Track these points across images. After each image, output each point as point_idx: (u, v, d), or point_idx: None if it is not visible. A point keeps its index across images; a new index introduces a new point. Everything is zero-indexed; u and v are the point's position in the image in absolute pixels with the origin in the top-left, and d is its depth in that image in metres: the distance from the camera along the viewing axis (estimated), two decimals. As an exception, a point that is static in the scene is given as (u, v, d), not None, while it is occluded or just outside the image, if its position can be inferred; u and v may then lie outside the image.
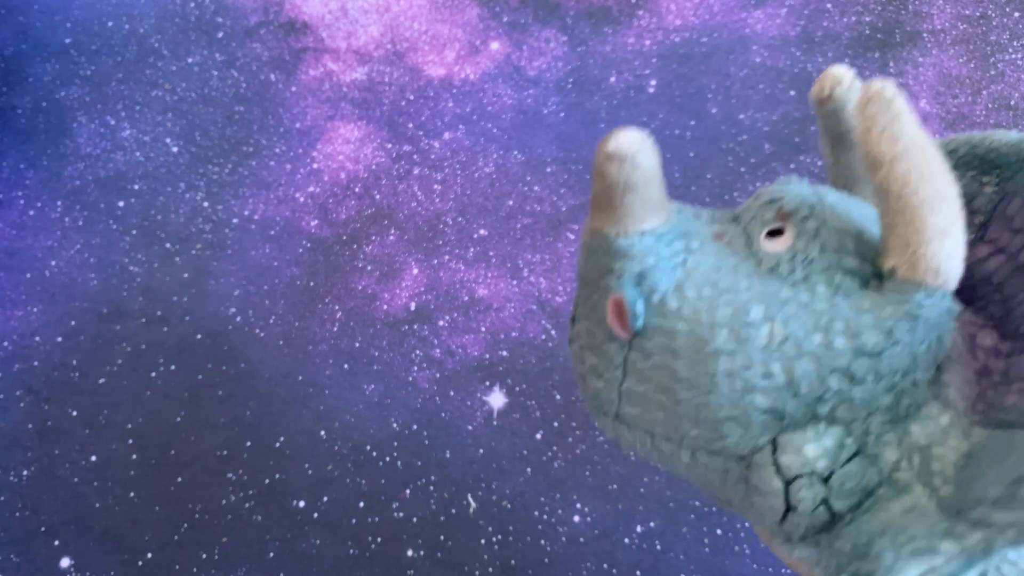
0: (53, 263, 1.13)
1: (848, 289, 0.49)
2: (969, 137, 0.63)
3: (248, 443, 0.95)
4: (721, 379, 0.48)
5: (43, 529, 0.89)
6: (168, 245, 1.14)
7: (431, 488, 0.92)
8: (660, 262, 0.49)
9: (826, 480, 0.50)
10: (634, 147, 0.44)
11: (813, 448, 0.49)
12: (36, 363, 0.97)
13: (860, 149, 0.51)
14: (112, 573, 0.87)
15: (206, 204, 1.20)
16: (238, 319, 1.00)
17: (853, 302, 0.48)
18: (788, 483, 0.50)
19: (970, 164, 0.62)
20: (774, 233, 0.51)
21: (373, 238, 1.06)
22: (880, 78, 0.44)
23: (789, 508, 0.51)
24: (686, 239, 0.51)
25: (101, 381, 0.97)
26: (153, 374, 0.98)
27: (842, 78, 0.52)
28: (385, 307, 1.02)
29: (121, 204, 1.23)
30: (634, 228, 0.48)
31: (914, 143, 0.44)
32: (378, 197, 1.10)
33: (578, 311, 0.54)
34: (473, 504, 0.91)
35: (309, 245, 1.07)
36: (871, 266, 0.49)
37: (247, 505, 0.92)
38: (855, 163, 0.56)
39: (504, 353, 0.98)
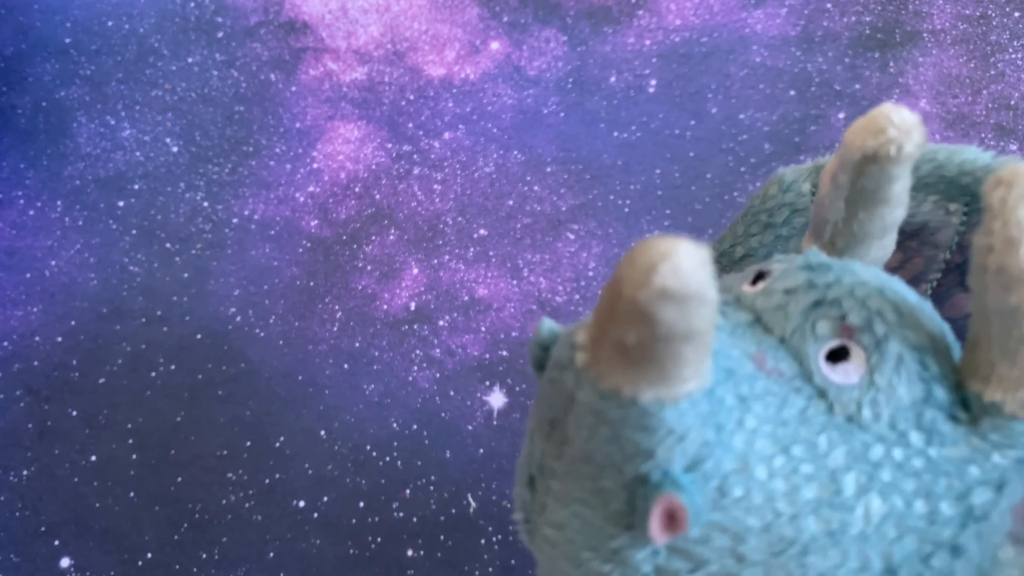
0: (53, 263, 1.13)
1: (942, 433, 0.36)
2: (933, 153, 0.52)
3: (248, 443, 0.95)
4: None
5: (43, 529, 0.89)
6: (168, 245, 1.14)
7: (431, 488, 0.92)
8: (719, 434, 0.32)
9: None
10: (702, 276, 0.27)
11: None
12: (36, 363, 0.97)
13: (885, 209, 0.42)
14: (112, 573, 0.87)
15: (206, 204, 1.20)
16: (238, 319, 1.00)
17: (951, 451, 0.36)
18: None
19: (933, 187, 0.52)
20: (835, 354, 0.38)
21: (373, 238, 1.06)
22: (1016, 163, 0.34)
23: None
24: (734, 383, 0.34)
25: (101, 381, 0.97)
26: (153, 374, 0.98)
27: (912, 130, 0.38)
28: (385, 307, 1.02)
29: (121, 204, 1.23)
30: (684, 390, 0.30)
31: None
32: (378, 197, 1.10)
33: (560, 487, 0.36)
34: (473, 504, 0.91)
35: (309, 245, 1.07)
36: (953, 390, 0.38)
37: (247, 505, 0.92)
38: (875, 220, 0.44)
39: (504, 353, 0.98)
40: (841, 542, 0.35)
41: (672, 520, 0.32)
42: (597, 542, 0.36)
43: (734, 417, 0.34)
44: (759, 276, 0.42)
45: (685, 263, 0.27)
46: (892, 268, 0.55)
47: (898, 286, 0.40)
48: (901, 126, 0.38)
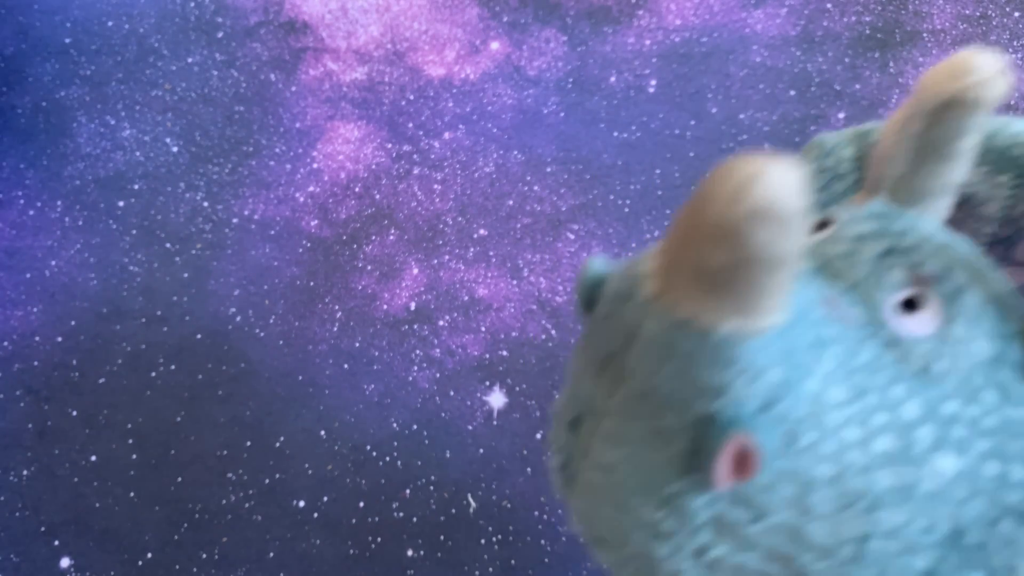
0: (53, 263, 1.13)
1: (1016, 392, 0.34)
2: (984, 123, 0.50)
3: (248, 443, 0.95)
4: (875, 543, 0.33)
5: (43, 529, 0.89)
6: (168, 245, 1.14)
7: (431, 488, 0.92)
8: (794, 372, 0.30)
9: None
10: (797, 198, 0.25)
11: None
12: (36, 363, 0.97)
13: (952, 164, 0.40)
14: (112, 573, 0.87)
15: (206, 204, 1.20)
16: (238, 319, 1.00)
17: None
18: None
19: (983, 157, 0.49)
20: (910, 303, 0.36)
21: (373, 238, 1.06)
22: None
23: None
24: (810, 324, 0.32)
25: (101, 381, 0.97)
26: (153, 374, 0.98)
27: (996, 75, 0.36)
28: (385, 307, 1.02)
29: (121, 204, 1.23)
30: (764, 323, 0.29)
31: None
32: (378, 197, 1.10)
33: (610, 426, 0.34)
34: (473, 504, 0.91)
35: (309, 245, 1.07)
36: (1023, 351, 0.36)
37: (247, 505, 0.92)
38: (939, 175, 0.41)
39: (504, 353, 0.98)
40: (911, 499, 0.32)
41: (741, 463, 0.30)
42: (651, 487, 0.33)
43: (809, 359, 0.31)
44: (822, 224, 0.40)
45: (782, 182, 0.24)
46: None
47: (967, 244, 0.38)
48: (985, 71, 0.35)
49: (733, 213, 0.25)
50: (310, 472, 0.94)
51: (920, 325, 0.35)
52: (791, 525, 0.32)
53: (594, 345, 0.34)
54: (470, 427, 0.96)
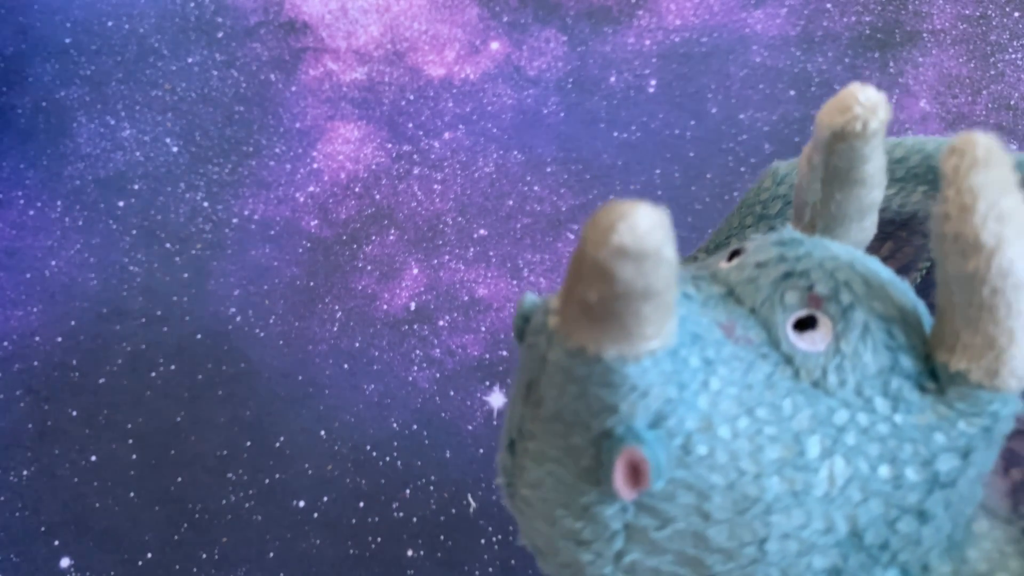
0: (53, 263, 1.13)
1: (908, 399, 0.37)
2: (922, 144, 0.53)
3: (248, 443, 0.95)
4: (772, 545, 0.36)
5: (43, 529, 0.89)
6: (168, 245, 1.14)
7: (431, 488, 0.92)
8: (682, 392, 0.34)
9: None
10: (658, 236, 0.28)
11: None
12: (36, 363, 0.97)
13: (861, 190, 0.43)
14: (112, 573, 0.87)
15: (206, 204, 1.20)
16: (238, 319, 1.00)
17: (917, 417, 0.37)
18: None
19: (922, 178, 0.53)
20: (803, 323, 0.39)
21: (373, 238, 1.06)
22: (975, 131, 0.35)
23: None
24: (700, 346, 0.36)
25: (101, 381, 0.97)
26: (153, 374, 0.98)
27: (876, 106, 0.39)
28: (385, 307, 1.02)
29: (121, 204, 1.23)
30: (646, 348, 0.32)
31: (1022, 224, 0.34)
32: (378, 197, 1.10)
33: (535, 446, 0.38)
34: (473, 504, 0.91)
35: (309, 245, 1.07)
36: (922, 361, 0.38)
37: (247, 505, 0.92)
38: (851, 201, 0.45)
39: (504, 353, 0.98)
40: (805, 503, 0.35)
41: (636, 474, 0.33)
42: (569, 499, 0.37)
43: (699, 378, 0.35)
44: (735, 253, 0.43)
45: (642, 223, 0.28)
46: (883, 257, 0.56)
47: (870, 261, 0.40)
48: (866, 103, 0.39)
49: (601, 253, 0.28)
50: (310, 472, 0.94)
51: (813, 342, 0.38)
52: (694, 530, 0.35)
53: (521, 373, 0.38)
54: (470, 427, 0.96)
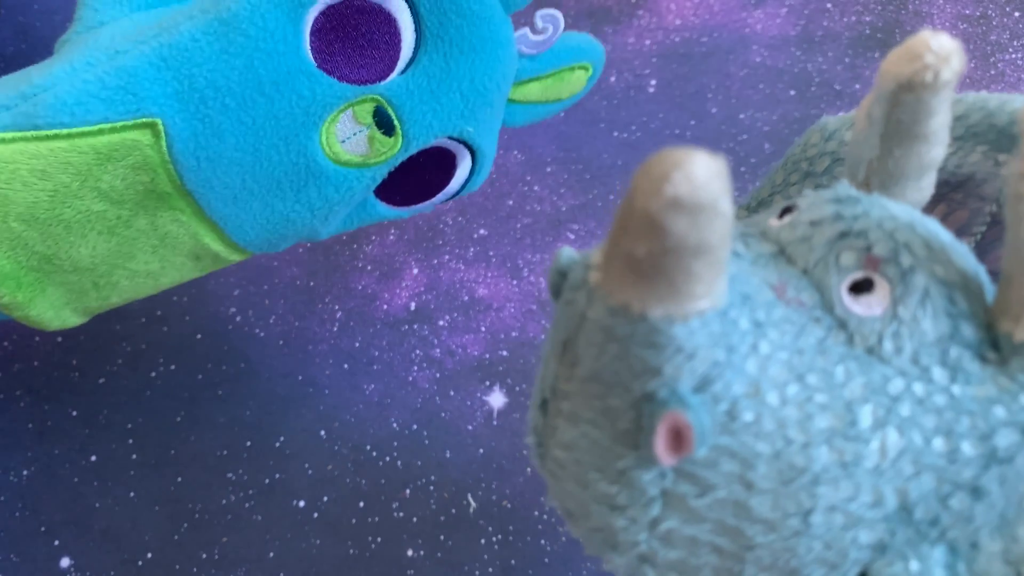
0: (53, 263, 1.13)
1: (968, 370, 0.35)
2: (983, 101, 0.50)
3: (248, 443, 0.95)
4: (817, 517, 0.34)
5: (43, 529, 0.89)
6: (168, 245, 1.14)
7: (431, 488, 0.92)
8: (730, 355, 0.32)
9: None
10: (716, 187, 0.26)
11: None
12: (36, 363, 0.97)
13: (923, 146, 0.41)
14: (112, 573, 0.87)
15: (206, 204, 1.20)
16: (238, 319, 1.00)
17: (976, 389, 0.35)
18: None
19: (983, 137, 0.49)
20: (860, 286, 0.37)
21: (373, 238, 1.05)
22: None
23: None
24: (750, 307, 0.34)
25: (101, 381, 0.97)
26: (153, 374, 0.98)
27: (951, 55, 0.35)
28: (385, 307, 1.02)
29: (121, 204, 1.23)
30: (695, 307, 0.30)
31: None
32: (378, 197, 1.11)
33: (569, 406, 0.36)
34: (473, 504, 0.91)
35: (309, 245, 1.07)
36: (984, 330, 0.36)
37: (247, 505, 0.91)
38: (911, 158, 0.41)
39: (504, 353, 0.98)
40: (854, 475, 0.34)
41: (678, 440, 0.32)
42: (604, 463, 0.36)
43: (748, 341, 0.33)
44: (786, 210, 0.42)
45: (699, 172, 0.26)
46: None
47: (930, 223, 0.39)
48: (939, 51, 0.36)
49: (652, 205, 0.26)
50: (310, 472, 0.94)
51: (869, 307, 0.36)
52: (735, 499, 0.34)
53: (556, 330, 0.37)
54: (470, 427, 0.96)
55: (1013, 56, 1.16)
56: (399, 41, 0.57)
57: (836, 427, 0.33)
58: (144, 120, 0.51)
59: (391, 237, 1.04)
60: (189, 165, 0.54)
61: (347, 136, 0.59)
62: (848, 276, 0.37)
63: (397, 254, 1.04)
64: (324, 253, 1.05)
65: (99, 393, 0.96)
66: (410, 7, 0.57)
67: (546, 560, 0.89)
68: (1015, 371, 0.35)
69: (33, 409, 0.95)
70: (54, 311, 0.68)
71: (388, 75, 0.59)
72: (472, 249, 1.03)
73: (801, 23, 1.19)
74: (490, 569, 0.88)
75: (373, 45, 0.56)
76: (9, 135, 0.49)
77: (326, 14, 0.54)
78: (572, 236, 1.05)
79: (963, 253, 0.38)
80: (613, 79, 1.14)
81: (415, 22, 0.57)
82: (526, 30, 0.73)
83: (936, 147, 0.42)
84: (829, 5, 1.20)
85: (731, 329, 0.32)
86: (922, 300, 0.35)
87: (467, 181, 0.75)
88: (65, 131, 0.49)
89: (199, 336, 0.99)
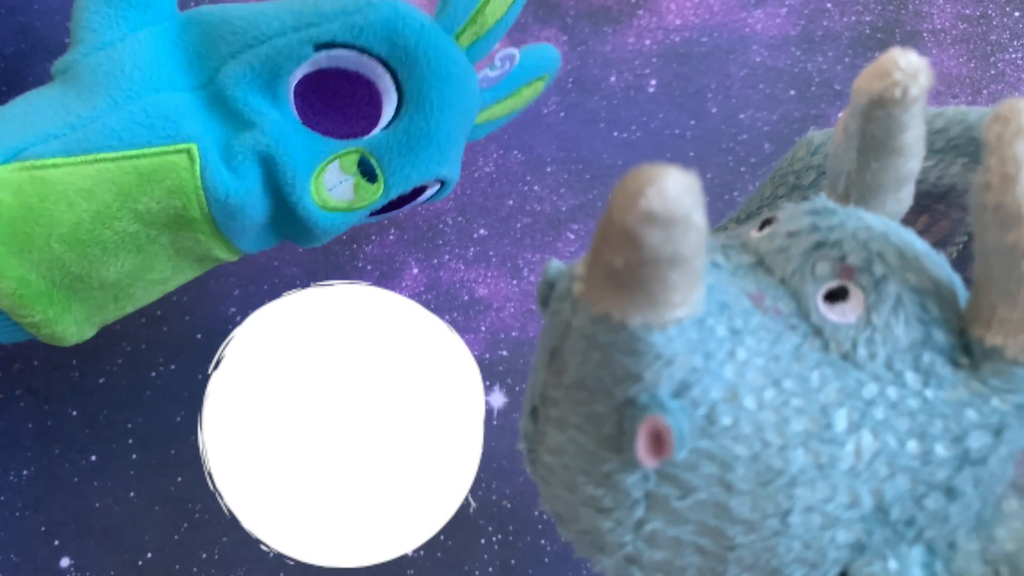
0: (53, 263, 1.13)
1: (940, 375, 0.37)
2: (963, 114, 0.52)
3: (248, 443, 0.95)
4: (795, 518, 0.36)
5: (43, 529, 0.89)
6: (168, 245, 1.14)
7: (431, 488, 0.92)
8: (708, 361, 0.34)
9: None
10: (687, 201, 0.28)
11: None
12: (36, 363, 0.97)
13: (898, 160, 0.42)
14: (112, 573, 0.87)
15: (206, 204, 1.19)
16: (238, 319, 1.00)
17: (949, 393, 0.36)
18: None
19: (963, 149, 0.51)
20: (834, 295, 0.39)
21: (373, 238, 1.05)
22: (1014, 98, 0.35)
23: None
24: (728, 315, 0.35)
25: (101, 381, 0.97)
26: (153, 374, 0.98)
27: (918, 72, 0.37)
28: (385, 307, 1.02)
29: (121, 204, 1.23)
30: (672, 316, 0.32)
31: None
32: (378, 197, 1.11)
33: (557, 413, 0.38)
34: (473, 504, 0.91)
35: (309, 245, 1.07)
36: (957, 336, 0.38)
37: (247, 505, 0.92)
38: (887, 171, 0.43)
39: (504, 353, 0.98)
40: (830, 476, 0.35)
41: (658, 443, 0.33)
42: (590, 467, 0.37)
43: (725, 348, 0.35)
44: (766, 222, 0.43)
45: (671, 187, 0.27)
46: (918, 231, 0.56)
47: (905, 233, 0.40)
48: (907, 68, 0.37)
49: (628, 218, 0.28)
50: (310, 472, 0.93)
51: (843, 314, 0.38)
52: (716, 501, 0.35)
53: (545, 339, 0.39)
54: (470, 427, 0.96)
55: (1013, 56, 1.16)
56: (380, 102, 0.65)
57: (812, 430, 0.35)
58: (182, 145, 0.57)
59: (391, 237, 1.04)
60: (218, 196, 0.59)
61: (334, 184, 0.65)
62: (823, 285, 0.38)
63: (397, 254, 1.04)
64: (324, 253, 1.05)
65: (99, 393, 0.96)
66: (391, 73, 0.62)
67: (546, 560, 0.89)
68: (986, 375, 0.36)
69: (33, 409, 0.95)
70: (76, 326, 0.70)
71: (371, 131, 0.64)
72: (472, 249, 1.03)
73: (801, 23, 1.19)
74: (490, 569, 0.88)
75: (355, 105, 0.64)
76: (61, 160, 0.54)
77: (305, 81, 0.61)
78: (572, 236, 1.05)
79: (937, 262, 0.39)
80: (613, 79, 1.14)
81: (396, 86, 0.63)
82: (486, 71, 0.80)
83: (912, 160, 0.43)
84: (829, 5, 1.20)
85: (708, 336, 0.34)
86: (895, 307, 0.37)
87: (432, 197, 0.81)
88: (112, 154, 0.55)
89: (199, 336, 0.99)
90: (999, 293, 0.35)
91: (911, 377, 0.37)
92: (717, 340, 0.34)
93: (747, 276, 0.40)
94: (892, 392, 0.36)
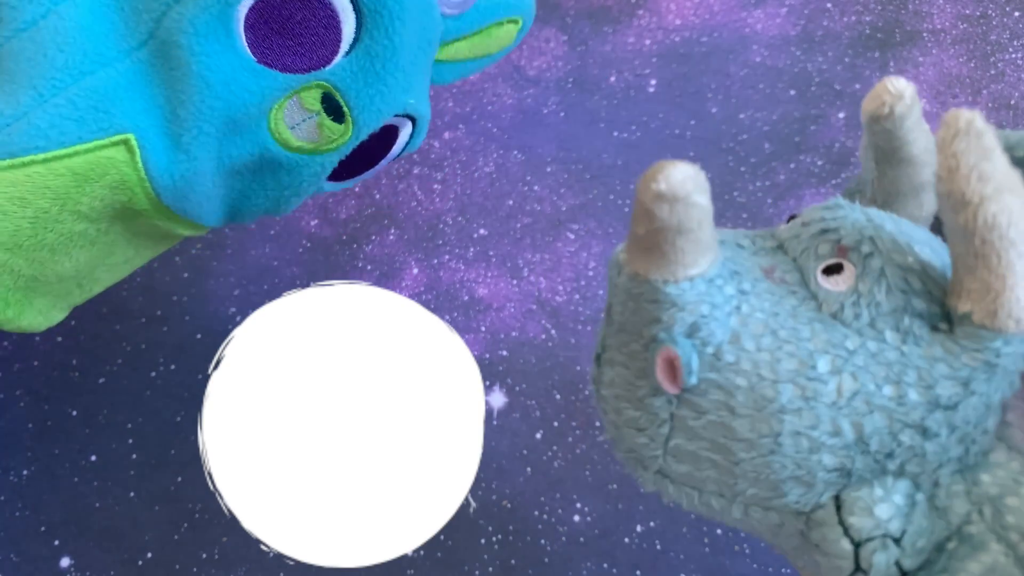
0: (53, 263, 1.13)
1: (918, 335, 0.44)
2: (1005, 137, 0.57)
3: (248, 443, 0.95)
4: (786, 439, 0.43)
5: (43, 529, 0.89)
6: (168, 245, 1.14)
7: (431, 488, 0.92)
8: (714, 310, 0.43)
9: (898, 540, 0.45)
10: (688, 186, 0.39)
11: (885, 508, 0.44)
12: (36, 363, 0.97)
13: (910, 168, 0.50)
14: (112, 573, 0.87)
15: (206, 204, 1.19)
16: (238, 319, 1.00)
17: (925, 350, 0.44)
18: (858, 545, 0.45)
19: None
20: (831, 269, 0.47)
21: (373, 238, 1.05)
22: (965, 109, 0.40)
23: (858, 569, 0.46)
24: (737, 280, 0.45)
25: (101, 381, 0.97)
26: (153, 374, 0.98)
27: (903, 93, 0.46)
28: (385, 307, 1.02)
29: (121, 204, 1.23)
30: (684, 274, 0.42)
31: (1005, 183, 0.39)
32: (378, 196, 1.10)
33: (609, 355, 0.49)
34: (473, 504, 0.91)
35: (309, 245, 1.07)
36: (939, 307, 0.45)
37: (247, 505, 0.92)
38: (902, 178, 0.51)
39: (504, 353, 0.98)
40: (815, 408, 0.43)
41: (672, 370, 0.44)
42: (630, 393, 0.48)
43: (732, 303, 0.44)
44: (791, 217, 0.52)
45: (676, 175, 0.39)
46: None
47: (906, 225, 0.48)
48: (893, 91, 0.47)
49: (645, 197, 0.39)
50: (310, 472, 0.93)
51: (837, 284, 0.46)
52: (722, 421, 0.45)
53: (608, 299, 0.49)
54: (470, 427, 0.96)
55: (1013, 56, 1.16)
56: (339, 23, 0.58)
57: (799, 370, 0.43)
58: (117, 137, 0.52)
59: (391, 237, 1.04)
60: (165, 184, 0.55)
61: (296, 123, 0.61)
62: (823, 262, 0.47)
63: (397, 254, 1.04)
64: (324, 253, 1.05)
65: (99, 393, 0.96)
66: None
67: (546, 560, 0.89)
68: (959, 337, 0.44)
69: (33, 409, 0.95)
70: (43, 316, 0.69)
71: (331, 60, 0.60)
72: (472, 249, 1.03)
73: (801, 23, 1.19)
74: (490, 569, 0.88)
75: (311, 31, 0.57)
76: None
77: (256, 9, 0.55)
78: (572, 236, 1.05)
79: (933, 248, 0.47)
80: (613, 79, 1.14)
81: (353, 4, 0.57)
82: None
83: (923, 169, 0.51)
84: (829, 5, 1.20)
85: (716, 292, 0.44)
86: (878, 279, 0.45)
87: (407, 145, 0.76)
88: (41, 155, 0.50)
89: (199, 336, 0.99)
90: (963, 267, 0.42)
91: (891, 335, 0.44)
92: (724, 296, 0.44)
93: (766, 255, 0.49)
94: (872, 345, 0.44)
